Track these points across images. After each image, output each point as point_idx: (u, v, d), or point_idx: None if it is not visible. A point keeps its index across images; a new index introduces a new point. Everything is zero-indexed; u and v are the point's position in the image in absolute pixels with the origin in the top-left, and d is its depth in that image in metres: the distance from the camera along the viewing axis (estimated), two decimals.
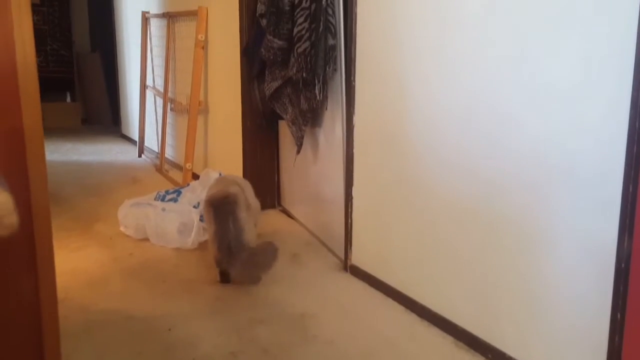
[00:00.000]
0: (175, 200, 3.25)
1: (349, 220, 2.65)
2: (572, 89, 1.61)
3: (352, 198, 2.62)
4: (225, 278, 2.56)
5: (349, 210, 2.64)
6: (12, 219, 0.36)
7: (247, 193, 2.80)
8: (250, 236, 2.56)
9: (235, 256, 2.48)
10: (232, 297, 2.43)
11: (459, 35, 1.96)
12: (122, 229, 3.15)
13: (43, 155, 1.11)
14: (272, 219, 3.47)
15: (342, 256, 2.73)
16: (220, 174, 3.28)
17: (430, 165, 2.15)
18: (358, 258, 2.63)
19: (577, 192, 1.62)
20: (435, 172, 2.12)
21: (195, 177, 4.13)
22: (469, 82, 1.94)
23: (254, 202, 2.86)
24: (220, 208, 2.53)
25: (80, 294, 2.43)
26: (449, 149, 2.05)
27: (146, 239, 3.05)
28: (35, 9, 6.87)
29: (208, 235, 2.65)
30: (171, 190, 3.36)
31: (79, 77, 7.49)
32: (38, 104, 1.10)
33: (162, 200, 3.26)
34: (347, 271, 2.68)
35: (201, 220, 3.03)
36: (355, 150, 2.56)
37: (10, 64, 1.08)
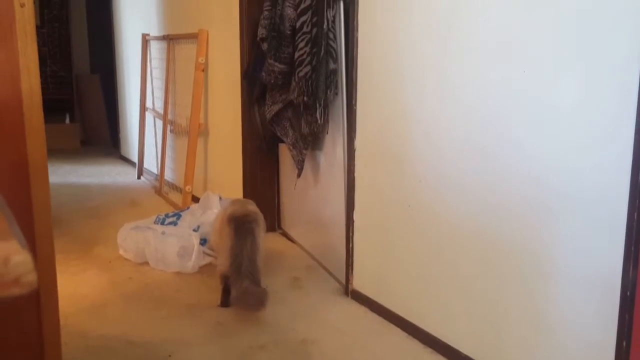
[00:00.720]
0: (175, 223, 3.25)
1: (350, 244, 2.64)
2: (575, 110, 1.62)
3: (353, 222, 2.61)
4: (225, 300, 2.56)
5: (350, 234, 2.63)
6: (31, 278, 0.36)
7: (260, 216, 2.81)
8: (262, 257, 2.59)
9: (243, 276, 2.46)
10: (233, 322, 2.42)
11: (460, 59, 1.98)
12: (121, 252, 3.14)
13: (47, 186, 1.11)
14: (273, 242, 3.46)
15: (344, 280, 2.72)
16: (220, 198, 3.28)
17: (432, 188, 2.15)
18: (359, 283, 2.62)
19: (581, 216, 1.62)
20: (438, 196, 2.13)
21: (195, 199, 4.13)
22: (471, 104, 1.95)
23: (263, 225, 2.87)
24: (242, 225, 2.55)
25: (80, 319, 2.42)
26: (452, 171, 2.06)
27: (146, 263, 3.03)
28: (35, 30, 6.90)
29: (219, 249, 2.66)
30: (171, 214, 3.36)
31: (78, 98, 7.51)
32: (43, 135, 1.10)
33: (162, 223, 3.26)
34: (348, 296, 2.67)
35: (202, 244, 3.03)
36: (357, 174, 2.56)
37: (16, 94, 1.08)
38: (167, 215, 3.34)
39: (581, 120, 1.60)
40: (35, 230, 1.10)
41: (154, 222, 3.28)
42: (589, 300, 1.62)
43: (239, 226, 2.56)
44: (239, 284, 2.46)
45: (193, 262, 2.92)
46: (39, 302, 1.24)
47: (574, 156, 1.63)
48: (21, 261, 0.35)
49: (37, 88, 1.10)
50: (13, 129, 1.09)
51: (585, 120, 1.59)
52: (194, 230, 3.04)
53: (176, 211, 3.45)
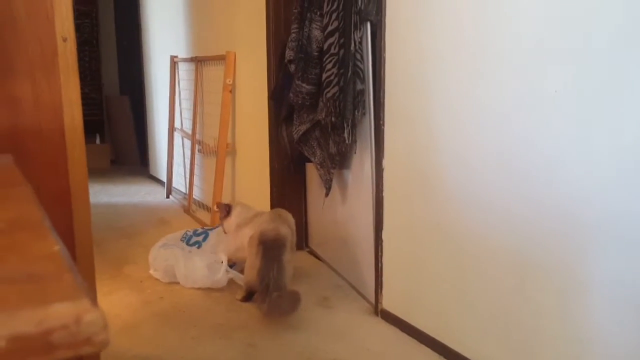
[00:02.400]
0: (199, 244, 3.27)
1: (379, 264, 2.62)
2: (612, 130, 1.59)
3: (382, 241, 2.60)
4: (247, 298, 2.78)
5: (379, 253, 2.61)
6: (104, 336, 0.36)
7: (293, 231, 2.91)
8: (289, 277, 2.67)
9: (269, 295, 2.55)
10: (263, 342, 2.41)
11: (490, 77, 1.96)
12: (151, 272, 3.16)
13: (89, 216, 1.12)
14: (300, 261, 3.45)
15: (373, 300, 2.70)
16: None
17: (462, 206, 2.13)
18: (389, 302, 2.60)
19: (616, 232, 1.59)
20: (468, 214, 2.10)
21: None
22: (501, 122, 1.93)
23: (293, 240, 2.92)
24: (270, 249, 2.64)
25: (113, 339, 2.42)
26: (482, 191, 2.04)
27: (176, 282, 3.05)
28: None
29: (247, 264, 2.76)
30: (199, 231, 3.37)
31: (108, 119, 7.64)
32: (85, 166, 1.11)
33: (188, 242, 3.29)
34: (378, 315, 2.64)
35: (231, 267, 3.03)
36: (385, 193, 2.55)
37: (59, 126, 1.10)
38: (195, 233, 3.36)
39: (618, 141, 1.57)
40: (77, 260, 1.10)
41: (181, 239, 3.31)
42: (626, 318, 1.58)
43: (266, 250, 2.65)
44: (268, 297, 2.53)
45: (221, 274, 2.92)
46: None
47: (609, 174, 1.60)
48: (93, 320, 0.34)
49: (79, 120, 1.12)
50: (56, 160, 1.10)
51: (621, 142, 1.56)
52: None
53: (204, 229, 3.47)
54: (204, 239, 3.31)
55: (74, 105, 1.11)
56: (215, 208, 4.02)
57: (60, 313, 0.34)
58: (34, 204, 0.60)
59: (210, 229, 3.45)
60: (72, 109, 1.11)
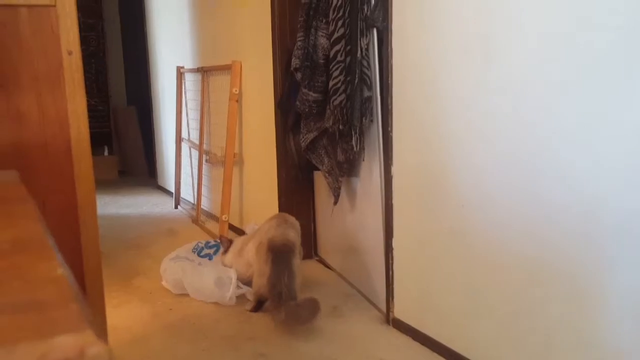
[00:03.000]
0: (210, 257, 3.25)
1: (390, 272, 2.59)
2: (629, 140, 1.56)
3: (392, 249, 2.57)
4: (256, 308, 2.75)
5: (390, 261, 2.58)
6: None
7: (299, 236, 2.91)
8: (298, 284, 2.66)
9: (284, 303, 2.54)
10: (274, 353, 2.38)
11: (501, 82, 1.94)
12: (163, 283, 3.14)
13: (97, 230, 1.10)
14: (309, 270, 3.43)
15: (384, 309, 2.67)
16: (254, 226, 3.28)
17: (475, 214, 2.10)
18: (401, 311, 2.56)
19: (634, 241, 1.55)
20: (481, 221, 2.07)
21: (232, 227, 4.13)
22: (514, 128, 1.91)
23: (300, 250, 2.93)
24: (279, 255, 2.64)
25: (123, 352, 2.41)
26: (495, 197, 2.00)
27: (186, 294, 3.02)
28: None
29: (256, 273, 2.73)
30: (211, 243, 3.35)
31: (115, 130, 7.65)
32: (92, 180, 1.09)
33: (199, 254, 3.27)
34: (389, 324, 2.61)
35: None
36: (395, 201, 2.52)
37: (65, 140, 1.08)
38: (206, 245, 3.34)
39: (635, 142, 1.54)
40: (85, 274, 1.09)
41: (192, 250, 3.30)
42: None
43: (276, 256, 2.64)
44: (284, 306, 2.52)
45: (231, 293, 2.89)
46: None
47: (627, 176, 1.57)
48: (97, 354, 0.32)
49: (85, 134, 1.10)
50: (63, 174, 1.08)
51: (635, 151, 1.53)
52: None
53: (217, 241, 3.45)
54: (215, 252, 3.30)
55: (80, 118, 1.10)
56: (223, 218, 4.01)
57: (63, 346, 0.31)
58: (38, 222, 0.58)
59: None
60: (78, 122, 1.09)
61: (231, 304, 2.90)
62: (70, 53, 1.06)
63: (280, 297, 2.56)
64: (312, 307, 2.53)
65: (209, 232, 4.24)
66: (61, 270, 0.44)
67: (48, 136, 1.06)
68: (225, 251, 3.13)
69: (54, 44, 1.06)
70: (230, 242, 3.16)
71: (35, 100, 1.07)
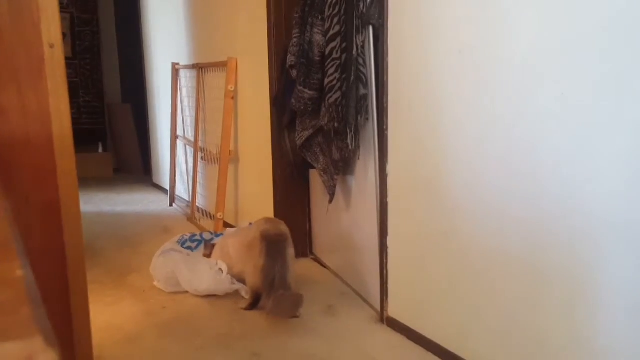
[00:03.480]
0: (192, 250, 3.29)
1: (385, 271, 2.57)
2: (624, 139, 1.54)
3: (387, 248, 2.55)
4: (251, 306, 2.73)
5: (384, 260, 2.57)
6: None
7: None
8: (293, 276, 2.69)
9: (276, 289, 2.58)
10: (268, 352, 2.36)
11: (496, 82, 1.92)
12: (155, 283, 3.12)
13: (80, 230, 1.08)
14: (305, 268, 3.41)
15: (379, 308, 2.65)
16: (250, 224, 3.27)
17: (470, 213, 2.08)
18: (395, 310, 2.55)
19: (629, 242, 1.54)
20: (476, 221, 2.06)
21: (227, 225, 4.11)
22: (509, 127, 1.89)
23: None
24: (273, 245, 2.66)
25: (115, 351, 2.39)
26: (490, 197, 1.99)
27: (178, 292, 3.00)
28: (67, 62, 7.06)
29: (251, 268, 2.72)
30: (195, 237, 3.41)
31: (110, 127, 7.62)
32: (75, 178, 1.07)
33: (182, 245, 3.31)
34: (384, 323, 2.59)
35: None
36: (390, 199, 2.50)
37: (47, 137, 1.06)
38: (190, 239, 3.40)
39: (631, 143, 1.53)
40: (68, 271, 1.06)
41: (177, 241, 3.35)
42: (637, 329, 1.53)
43: (270, 246, 2.66)
44: (273, 295, 2.55)
45: (225, 277, 2.89)
46: (72, 339, 1.20)
47: (623, 178, 1.55)
48: None
49: (68, 130, 1.08)
50: (45, 170, 1.06)
51: (634, 144, 1.52)
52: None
53: (202, 235, 3.48)
54: (197, 247, 3.38)
55: (63, 113, 1.07)
56: (218, 216, 3.99)
57: (10, 355, 0.29)
58: (3, 221, 0.56)
59: (209, 237, 3.45)
60: (61, 117, 1.07)
61: (227, 291, 2.91)
62: (52, 46, 1.03)
63: (272, 286, 2.59)
64: (295, 301, 2.56)
65: (204, 230, 4.22)
66: (20, 272, 0.42)
67: (30, 132, 1.04)
68: (209, 255, 3.17)
69: (35, 37, 1.04)
70: (213, 247, 3.21)
71: (16, 95, 1.05)
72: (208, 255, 3.16)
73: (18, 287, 0.39)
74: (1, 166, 0.86)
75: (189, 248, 3.34)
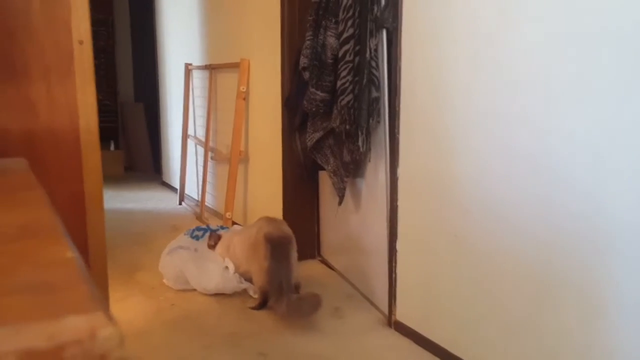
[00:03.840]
0: (199, 238, 3.31)
1: (393, 274, 2.58)
2: (635, 145, 1.55)
3: (396, 251, 2.56)
4: (259, 306, 2.74)
5: (393, 263, 2.58)
6: (119, 353, 0.33)
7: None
8: (296, 277, 2.75)
9: (284, 294, 2.59)
10: (274, 352, 2.38)
11: (512, 87, 1.93)
12: (164, 281, 3.14)
13: (103, 222, 1.10)
14: (312, 270, 3.42)
15: (386, 311, 2.66)
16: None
17: (481, 218, 2.09)
18: (403, 314, 2.56)
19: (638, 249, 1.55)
20: (487, 226, 2.06)
21: (235, 225, 4.13)
22: (521, 134, 1.90)
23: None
24: (278, 247, 2.69)
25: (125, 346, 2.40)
26: (502, 201, 2.00)
27: (187, 289, 3.03)
28: None
29: (255, 268, 2.76)
30: (201, 227, 3.45)
31: (122, 126, 7.66)
32: (100, 172, 1.09)
33: (191, 235, 3.32)
34: (391, 327, 2.60)
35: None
36: (400, 203, 2.52)
37: (74, 131, 1.08)
38: (196, 228, 3.45)
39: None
40: (90, 266, 1.08)
41: (185, 234, 3.38)
42: None
43: (275, 248, 2.69)
44: (286, 299, 2.57)
45: (231, 275, 2.92)
46: None
47: (632, 190, 1.56)
48: (108, 336, 0.32)
49: (94, 125, 1.10)
50: (71, 165, 1.08)
51: None
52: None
53: (208, 226, 3.55)
54: (203, 235, 3.38)
55: (90, 109, 1.10)
56: (227, 216, 4.01)
57: (73, 327, 0.31)
58: (47, 208, 0.58)
59: (215, 228, 3.49)
60: (88, 112, 1.09)
61: (234, 289, 2.93)
62: (81, 43, 1.06)
63: (282, 290, 2.61)
64: (314, 301, 2.57)
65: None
66: (70, 253, 0.44)
67: (57, 126, 1.06)
68: (214, 246, 3.16)
69: (66, 34, 1.06)
70: (219, 237, 3.20)
71: (45, 90, 1.07)
72: (212, 246, 3.15)
73: (72, 268, 0.41)
74: (29, 159, 0.89)
75: (195, 237, 3.35)
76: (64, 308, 0.33)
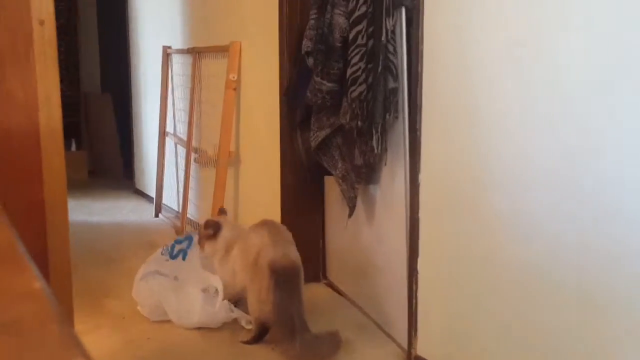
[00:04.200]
0: (184, 253, 3.17)
1: (414, 300, 2.58)
2: None
3: (417, 272, 2.56)
4: (255, 339, 2.76)
5: (414, 287, 2.58)
6: None
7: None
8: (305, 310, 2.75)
9: (297, 332, 2.60)
10: None
11: (553, 84, 1.93)
12: (139, 308, 3.13)
13: (67, 233, 1.09)
14: (317, 295, 3.43)
15: (405, 344, 2.67)
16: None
17: (515, 234, 2.10)
18: (425, 348, 2.56)
19: None
20: (522, 244, 2.07)
21: None
22: (563, 136, 1.91)
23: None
24: (285, 280, 2.69)
25: None
26: (540, 216, 2.00)
27: (165, 320, 3.01)
28: None
29: (253, 297, 2.77)
30: (180, 238, 3.33)
31: (86, 121, 7.67)
32: (64, 176, 1.09)
33: (171, 254, 3.20)
34: None
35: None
36: (422, 215, 2.52)
37: (32, 128, 1.08)
38: (176, 241, 3.31)
39: None
40: (52, 285, 1.08)
41: (162, 253, 3.26)
42: None
43: (283, 281, 2.68)
44: (299, 337, 2.58)
45: (218, 307, 2.89)
46: None
47: None
48: None
49: (58, 121, 1.10)
50: (29, 168, 1.07)
51: None
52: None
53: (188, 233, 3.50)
54: (189, 246, 3.23)
55: (52, 102, 1.09)
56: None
57: None
58: (4, 226, 0.57)
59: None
60: (50, 107, 1.08)
61: (221, 321, 2.92)
62: (42, 23, 1.05)
63: (294, 327, 2.61)
64: (333, 341, 2.61)
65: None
66: (38, 283, 0.43)
67: (12, 123, 1.05)
68: (214, 235, 3.04)
69: (24, 12, 1.06)
70: (219, 226, 3.06)
71: None
72: (214, 234, 3.02)
73: (40, 300, 0.40)
74: None
75: (180, 252, 3.20)
76: (32, 353, 0.33)
